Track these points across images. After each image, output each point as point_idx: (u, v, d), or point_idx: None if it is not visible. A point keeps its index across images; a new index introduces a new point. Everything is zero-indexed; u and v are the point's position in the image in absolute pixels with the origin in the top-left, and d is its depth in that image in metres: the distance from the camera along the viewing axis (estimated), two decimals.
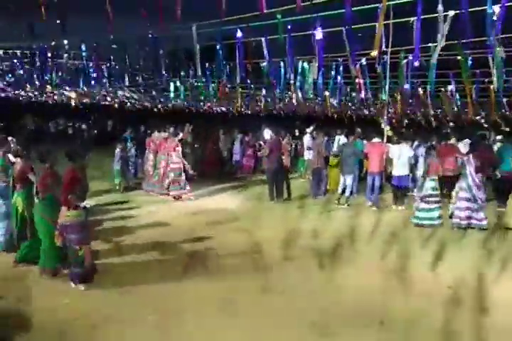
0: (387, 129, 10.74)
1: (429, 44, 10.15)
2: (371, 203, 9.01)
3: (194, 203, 9.12)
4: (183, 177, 9.28)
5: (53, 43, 15.99)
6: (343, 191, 9.11)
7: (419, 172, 8.58)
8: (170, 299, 4.56)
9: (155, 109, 33.78)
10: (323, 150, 9.88)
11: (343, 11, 8.88)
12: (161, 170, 9.48)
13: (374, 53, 9.14)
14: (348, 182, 9.00)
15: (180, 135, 9.49)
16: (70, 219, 4.73)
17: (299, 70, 14.50)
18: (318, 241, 6.60)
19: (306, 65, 13.73)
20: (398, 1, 9.01)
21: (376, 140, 9.29)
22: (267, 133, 9.65)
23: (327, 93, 19.65)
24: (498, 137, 10.36)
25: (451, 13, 8.48)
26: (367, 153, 9.12)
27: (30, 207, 5.42)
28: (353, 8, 8.89)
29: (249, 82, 17.45)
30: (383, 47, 9.58)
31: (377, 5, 8.73)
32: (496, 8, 8.00)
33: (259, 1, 7.38)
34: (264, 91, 21.82)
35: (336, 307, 4.47)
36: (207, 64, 16.33)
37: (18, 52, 19.53)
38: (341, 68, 15.46)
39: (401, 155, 8.70)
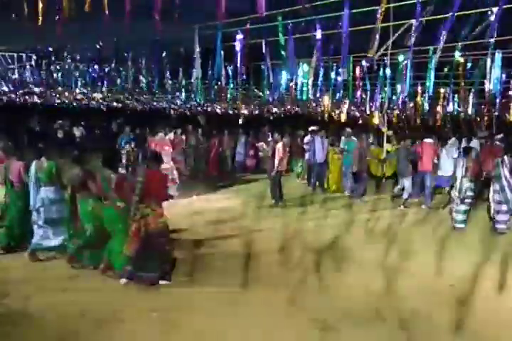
0: (385, 130, 10.99)
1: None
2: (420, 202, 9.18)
3: (196, 203, 9.13)
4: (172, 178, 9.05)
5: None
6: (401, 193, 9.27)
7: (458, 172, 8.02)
8: (175, 296, 4.63)
9: (159, 111, 33.56)
10: (366, 152, 9.92)
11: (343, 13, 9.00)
12: None
13: (372, 53, 9.23)
14: (406, 185, 9.13)
15: (170, 135, 9.51)
16: (162, 226, 4.89)
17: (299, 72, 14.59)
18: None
19: (306, 66, 13.81)
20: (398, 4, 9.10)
21: (428, 140, 9.40)
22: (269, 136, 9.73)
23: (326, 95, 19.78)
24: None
25: None
26: (419, 152, 9.21)
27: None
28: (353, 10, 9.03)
29: (248, 83, 17.61)
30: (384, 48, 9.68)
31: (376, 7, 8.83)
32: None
33: (258, 3, 7.50)
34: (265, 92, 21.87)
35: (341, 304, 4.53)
36: (208, 65, 16.41)
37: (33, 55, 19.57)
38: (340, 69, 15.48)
39: (447, 156, 8.91)
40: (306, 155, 11.12)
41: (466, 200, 7.47)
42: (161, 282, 4.88)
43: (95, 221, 5.23)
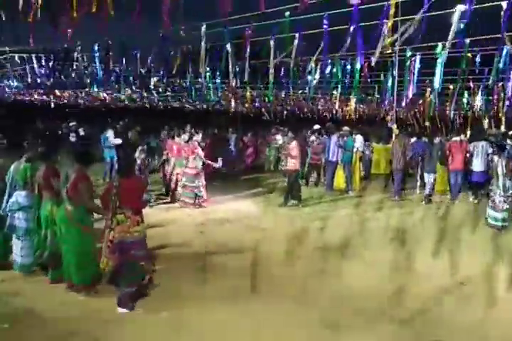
0: (394, 127, 11.09)
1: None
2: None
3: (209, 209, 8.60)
4: (200, 183, 8.64)
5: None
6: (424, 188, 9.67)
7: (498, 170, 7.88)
8: (183, 298, 4.60)
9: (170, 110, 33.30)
10: (408, 151, 9.96)
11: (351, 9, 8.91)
12: (175, 176, 8.90)
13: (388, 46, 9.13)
14: (431, 180, 9.46)
15: (197, 137, 8.97)
16: (138, 235, 4.38)
17: (308, 69, 14.55)
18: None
19: (313, 64, 13.75)
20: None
21: (458, 138, 9.65)
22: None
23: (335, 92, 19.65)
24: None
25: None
26: (449, 150, 9.40)
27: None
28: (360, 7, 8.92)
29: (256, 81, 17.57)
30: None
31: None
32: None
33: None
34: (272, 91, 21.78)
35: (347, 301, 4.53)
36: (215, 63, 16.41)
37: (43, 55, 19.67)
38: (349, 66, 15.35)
39: (479, 153, 9.10)
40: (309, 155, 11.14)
41: (507, 199, 7.41)
42: (119, 310, 4.23)
43: (53, 226, 4.75)
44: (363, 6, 8.80)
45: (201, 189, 8.65)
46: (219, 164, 9.25)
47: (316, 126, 11.81)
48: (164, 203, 8.92)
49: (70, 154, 5.06)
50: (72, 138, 9.92)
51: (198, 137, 9.07)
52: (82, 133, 11.90)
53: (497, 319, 4.19)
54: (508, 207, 7.37)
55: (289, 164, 9.10)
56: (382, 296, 4.64)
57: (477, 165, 9.17)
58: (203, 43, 11.22)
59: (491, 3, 8.30)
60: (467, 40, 10.54)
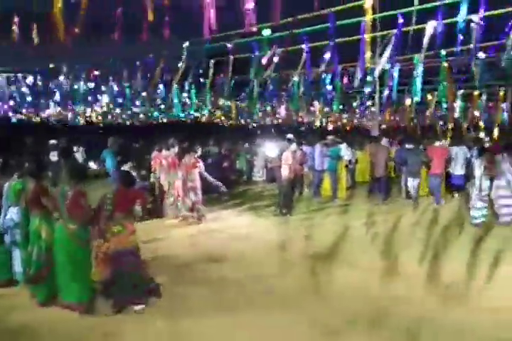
0: (376, 135, 11.53)
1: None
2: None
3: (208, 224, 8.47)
4: (198, 198, 8.54)
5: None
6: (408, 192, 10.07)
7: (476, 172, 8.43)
8: (179, 307, 4.66)
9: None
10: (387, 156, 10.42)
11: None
12: (176, 190, 8.71)
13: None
14: (415, 185, 9.80)
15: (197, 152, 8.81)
16: (133, 244, 4.53)
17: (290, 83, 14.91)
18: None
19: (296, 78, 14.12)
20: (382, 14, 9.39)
21: (438, 143, 10.13)
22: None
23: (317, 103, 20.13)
24: None
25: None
26: (430, 155, 9.72)
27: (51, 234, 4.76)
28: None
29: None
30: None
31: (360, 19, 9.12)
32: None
33: (246, 19, 7.79)
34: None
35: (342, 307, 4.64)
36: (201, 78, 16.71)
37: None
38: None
39: (459, 157, 9.65)
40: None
41: (485, 198, 7.91)
42: (136, 307, 4.49)
43: (41, 242, 4.75)
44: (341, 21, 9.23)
45: (199, 203, 8.58)
46: (222, 188, 9.18)
47: (289, 136, 12.02)
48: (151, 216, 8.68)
49: (60, 171, 5.06)
50: (53, 156, 9.58)
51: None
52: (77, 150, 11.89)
53: (487, 320, 4.29)
54: (485, 205, 7.87)
55: (282, 173, 9.25)
56: (375, 302, 4.72)
57: (457, 169, 9.69)
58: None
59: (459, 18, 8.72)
60: (443, 51, 11.01)
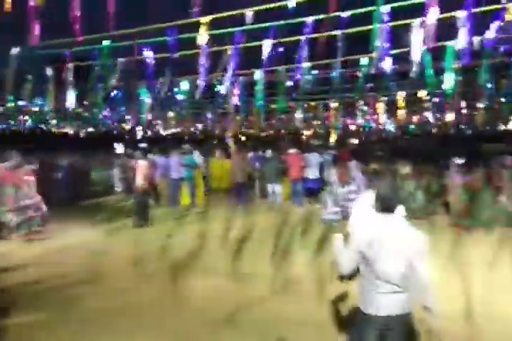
0: (231, 143, 12.18)
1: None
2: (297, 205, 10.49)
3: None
4: (38, 213, 8.18)
5: None
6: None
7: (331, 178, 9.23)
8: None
9: None
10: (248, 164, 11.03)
11: None
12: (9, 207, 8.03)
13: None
14: (276, 190, 10.45)
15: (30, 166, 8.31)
16: None
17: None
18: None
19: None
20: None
21: (292, 151, 10.65)
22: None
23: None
24: None
25: None
26: (287, 162, 10.25)
27: None
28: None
29: None
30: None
31: None
32: None
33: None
34: None
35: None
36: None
37: None
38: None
39: (312, 163, 10.44)
40: (158, 173, 11.22)
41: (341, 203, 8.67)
42: None
43: None
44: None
45: (39, 218, 8.10)
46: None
47: (143, 145, 11.98)
48: None
49: None
50: None
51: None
52: None
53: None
54: (338, 209, 8.72)
55: (136, 183, 9.07)
56: (228, 304, 4.95)
57: (311, 174, 10.64)
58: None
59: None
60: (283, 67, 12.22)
